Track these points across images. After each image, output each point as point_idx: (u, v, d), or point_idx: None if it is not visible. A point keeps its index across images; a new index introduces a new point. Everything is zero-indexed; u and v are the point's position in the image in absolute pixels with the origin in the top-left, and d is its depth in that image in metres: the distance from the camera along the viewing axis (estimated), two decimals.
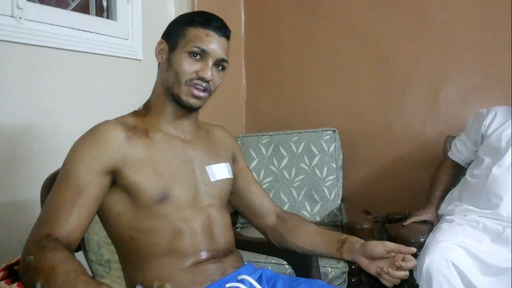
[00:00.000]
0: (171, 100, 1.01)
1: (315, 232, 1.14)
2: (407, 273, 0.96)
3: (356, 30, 2.34)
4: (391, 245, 0.98)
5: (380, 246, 0.99)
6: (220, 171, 1.09)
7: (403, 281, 0.98)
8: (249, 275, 1.01)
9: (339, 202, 2.08)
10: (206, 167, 1.06)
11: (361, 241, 1.04)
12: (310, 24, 2.44)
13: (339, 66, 2.39)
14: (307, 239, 1.13)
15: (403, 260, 0.96)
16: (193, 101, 0.99)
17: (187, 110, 1.02)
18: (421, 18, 2.21)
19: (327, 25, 2.40)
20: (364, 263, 1.01)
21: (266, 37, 2.56)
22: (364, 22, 2.32)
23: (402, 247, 0.97)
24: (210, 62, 0.99)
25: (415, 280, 1.40)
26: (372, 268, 1.00)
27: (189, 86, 0.98)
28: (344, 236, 1.08)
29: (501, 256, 1.38)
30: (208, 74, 0.98)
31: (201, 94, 0.99)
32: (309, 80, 2.46)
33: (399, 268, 0.95)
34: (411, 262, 0.96)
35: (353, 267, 1.67)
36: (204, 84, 0.99)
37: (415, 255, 1.43)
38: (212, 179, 1.06)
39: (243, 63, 2.62)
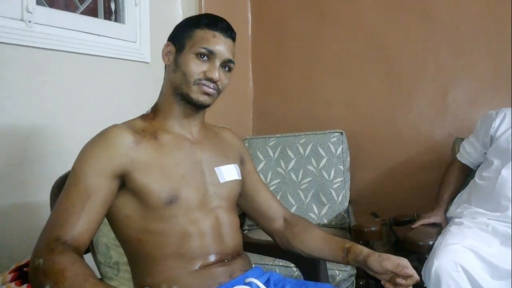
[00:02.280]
0: (179, 100, 1.02)
1: (320, 239, 1.14)
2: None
3: (364, 31, 2.34)
4: (388, 265, 0.99)
5: (378, 266, 1.00)
6: (229, 172, 1.09)
7: None
8: (256, 278, 1.01)
9: (346, 204, 2.07)
10: (215, 168, 1.06)
11: (364, 251, 1.04)
12: (317, 26, 2.44)
13: (347, 67, 2.39)
14: (312, 246, 1.14)
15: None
16: (203, 99, 1.00)
17: (196, 108, 1.03)
18: (429, 19, 2.20)
19: (334, 27, 2.40)
20: (371, 273, 1.03)
21: (273, 39, 2.56)
22: (371, 24, 2.32)
23: (399, 270, 0.97)
24: (217, 63, 1.00)
25: (424, 283, 1.39)
26: (379, 276, 1.02)
27: (198, 85, 0.99)
28: (348, 244, 1.08)
29: (510, 259, 1.37)
30: (216, 74, 0.99)
31: (211, 90, 1.00)
32: (316, 82, 2.46)
33: (400, 285, 0.97)
34: (411, 280, 0.97)
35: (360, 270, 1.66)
36: (212, 85, 0.99)
37: (423, 258, 1.44)
38: (221, 180, 1.06)
39: (250, 65, 2.62)
